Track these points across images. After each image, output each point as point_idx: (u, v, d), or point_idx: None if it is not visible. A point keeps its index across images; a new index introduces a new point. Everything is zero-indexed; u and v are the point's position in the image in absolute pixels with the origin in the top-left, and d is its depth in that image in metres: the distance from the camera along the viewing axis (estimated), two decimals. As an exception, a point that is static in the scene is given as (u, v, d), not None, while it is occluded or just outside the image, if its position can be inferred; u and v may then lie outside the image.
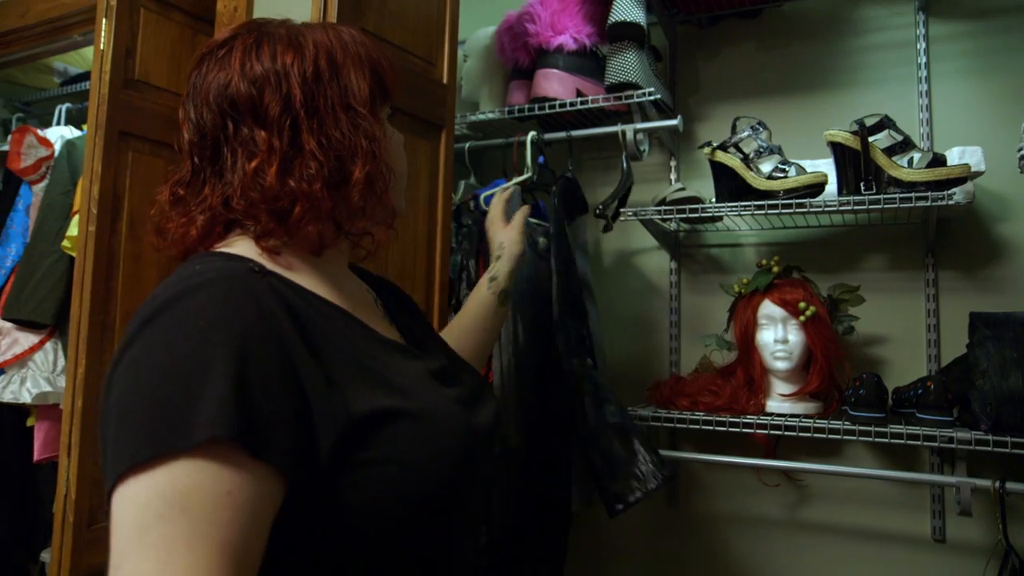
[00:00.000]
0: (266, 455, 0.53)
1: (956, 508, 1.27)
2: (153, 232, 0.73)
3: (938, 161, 1.38)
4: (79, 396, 1.33)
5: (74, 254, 1.88)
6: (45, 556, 1.97)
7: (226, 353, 0.54)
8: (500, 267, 1.13)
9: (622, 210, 1.64)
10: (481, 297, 1.10)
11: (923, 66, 1.63)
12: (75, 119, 2.37)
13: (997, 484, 1.23)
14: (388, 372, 0.66)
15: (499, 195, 1.24)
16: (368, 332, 0.70)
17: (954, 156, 1.44)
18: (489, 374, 1.43)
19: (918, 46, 1.64)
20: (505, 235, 1.16)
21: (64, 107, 2.39)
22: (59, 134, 2.15)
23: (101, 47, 1.41)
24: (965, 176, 1.36)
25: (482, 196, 1.57)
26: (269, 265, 0.67)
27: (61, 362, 1.98)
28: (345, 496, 0.59)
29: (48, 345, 1.98)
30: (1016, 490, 1.23)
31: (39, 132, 2.13)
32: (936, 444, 1.33)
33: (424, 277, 1.32)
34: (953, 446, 1.33)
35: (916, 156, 1.41)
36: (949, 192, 1.34)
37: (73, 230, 1.89)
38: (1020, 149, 1.33)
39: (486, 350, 1.11)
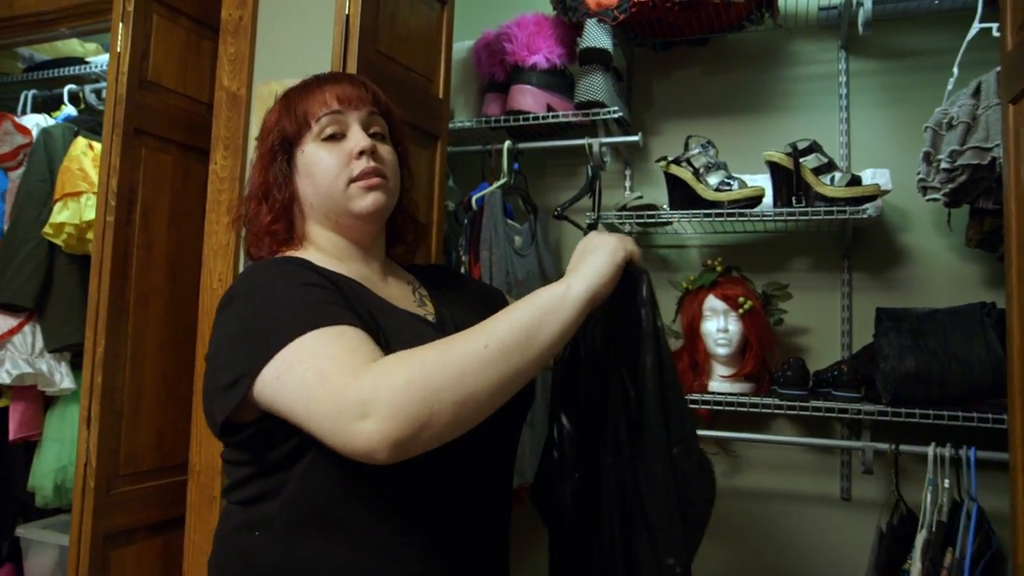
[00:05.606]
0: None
1: (861, 468, 1.55)
2: None
3: (855, 181, 1.65)
4: (98, 373, 1.44)
5: (56, 241, 1.95)
6: (21, 532, 2.03)
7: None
8: None
9: (589, 214, 1.85)
10: None
11: (844, 96, 1.91)
12: (40, 106, 2.39)
13: (893, 447, 1.51)
14: (371, 312, 0.88)
15: None
16: (369, 294, 0.91)
17: (867, 176, 1.71)
18: None
19: (840, 79, 1.92)
20: None
21: (30, 93, 2.39)
22: (35, 122, 2.17)
23: (118, 50, 1.51)
24: (876, 194, 1.63)
25: (474, 197, 1.75)
26: (300, 256, 0.93)
27: (39, 344, 2.02)
28: None
29: (27, 328, 2.02)
30: (908, 452, 1.51)
31: (16, 119, 2.15)
32: (847, 416, 1.61)
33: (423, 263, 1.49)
34: (860, 416, 1.61)
35: (837, 176, 1.67)
36: (863, 207, 1.61)
37: (56, 216, 1.93)
38: (919, 173, 1.61)
39: None
